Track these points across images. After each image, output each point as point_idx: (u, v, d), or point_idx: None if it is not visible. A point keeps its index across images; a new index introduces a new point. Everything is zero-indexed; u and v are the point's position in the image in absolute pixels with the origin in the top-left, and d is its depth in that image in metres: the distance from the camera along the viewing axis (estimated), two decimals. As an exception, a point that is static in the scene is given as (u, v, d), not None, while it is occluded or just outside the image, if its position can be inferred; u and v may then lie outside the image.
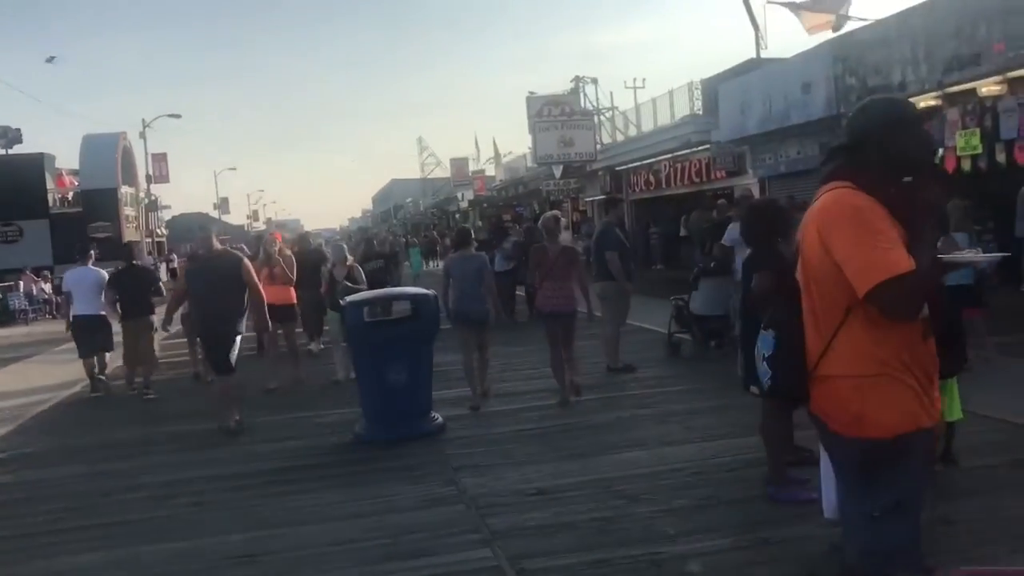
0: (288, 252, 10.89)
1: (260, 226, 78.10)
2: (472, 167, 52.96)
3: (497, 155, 49.67)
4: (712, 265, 10.10)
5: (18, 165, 36.22)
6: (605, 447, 6.46)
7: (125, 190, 41.08)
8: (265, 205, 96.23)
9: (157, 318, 9.91)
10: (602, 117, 31.53)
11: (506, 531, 4.83)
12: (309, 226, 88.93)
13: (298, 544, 4.92)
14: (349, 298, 7.73)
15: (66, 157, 43.25)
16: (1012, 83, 11.51)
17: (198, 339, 9.24)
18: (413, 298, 7.50)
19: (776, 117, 16.62)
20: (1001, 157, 11.93)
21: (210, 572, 4.68)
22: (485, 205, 47.16)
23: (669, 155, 23.77)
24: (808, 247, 2.74)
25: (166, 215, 56.04)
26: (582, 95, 31.73)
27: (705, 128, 20.88)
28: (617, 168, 27.75)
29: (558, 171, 30.20)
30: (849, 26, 16.79)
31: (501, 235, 16.55)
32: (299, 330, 12.56)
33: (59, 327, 12.70)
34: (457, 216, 52.21)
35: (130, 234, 40.57)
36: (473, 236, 9.47)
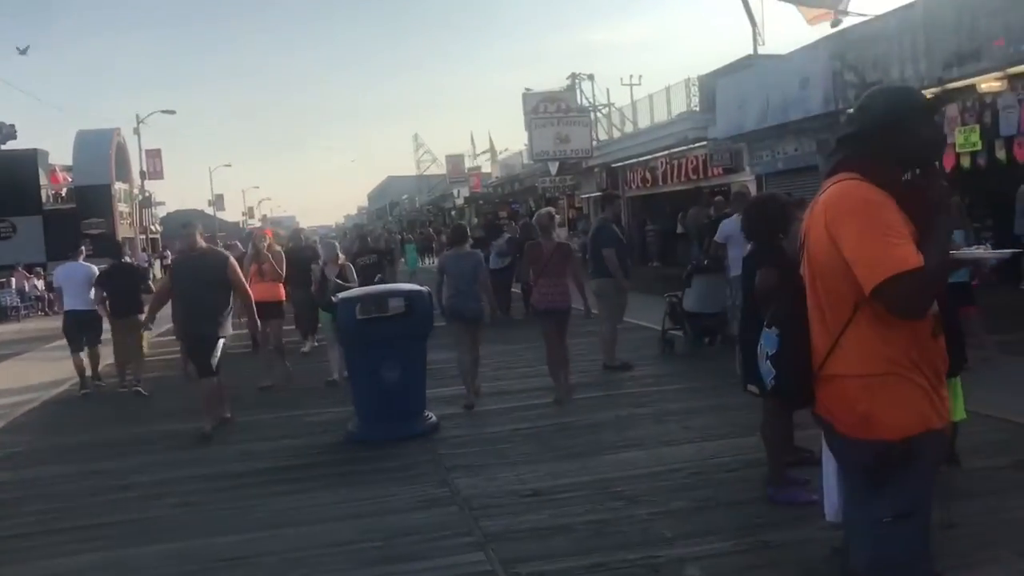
0: (277, 248, 10.80)
1: (255, 223, 77.88)
2: (468, 164, 52.86)
3: (493, 152, 49.54)
4: (705, 262, 10.04)
5: (11, 161, 36.02)
6: (602, 447, 6.37)
7: (119, 186, 40.94)
8: (261, 202, 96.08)
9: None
10: (598, 114, 31.43)
11: (500, 534, 4.73)
12: (305, 223, 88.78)
13: (289, 546, 4.82)
14: (341, 294, 7.62)
15: (60, 153, 43.15)
16: (1012, 79, 11.43)
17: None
18: (406, 295, 7.40)
19: (774, 113, 16.52)
20: (1001, 154, 11.87)
21: (201, 574, 4.58)
22: (481, 202, 47.04)
23: (666, 152, 23.68)
24: (814, 241, 2.64)
25: (161, 212, 55.88)
26: (578, 92, 31.64)
27: (702, 125, 20.77)
28: (613, 165, 27.65)
29: (554, 168, 30.09)
30: (848, 21, 16.71)
31: (495, 232, 16.44)
32: (289, 327, 12.49)
33: (51, 324, 12.63)
34: (453, 213, 52.09)
35: (124, 231, 40.48)
36: (469, 233, 9.40)
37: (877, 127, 2.61)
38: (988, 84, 11.73)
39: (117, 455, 7.25)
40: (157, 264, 37.11)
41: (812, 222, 2.66)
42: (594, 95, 31.82)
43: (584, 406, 7.77)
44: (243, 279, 7.89)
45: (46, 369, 12.49)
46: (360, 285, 10.21)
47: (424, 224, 53.20)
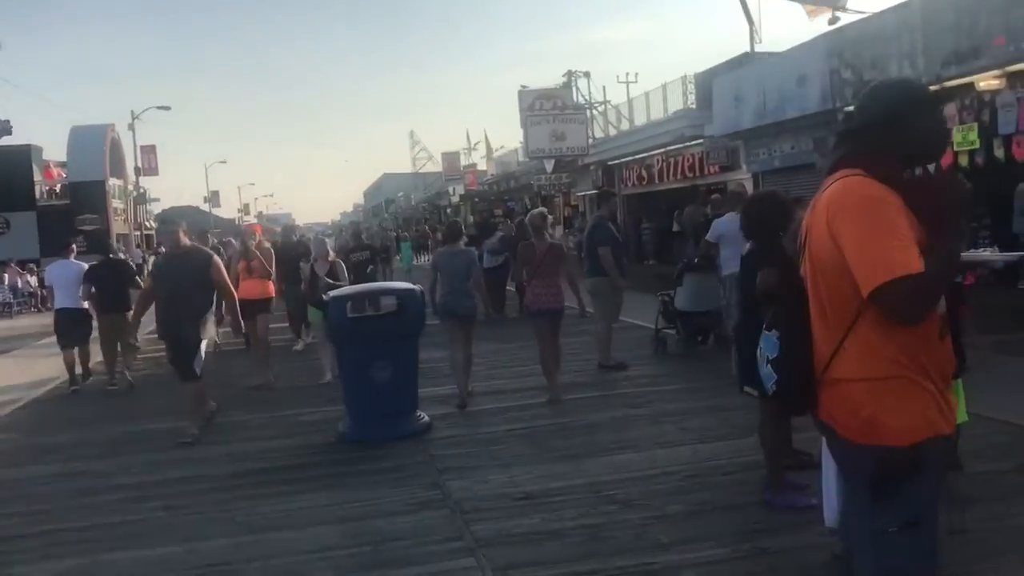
0: (267, 246, 10.66)
1: (251, 220, 77.75)
2: (464, 161, 52.76)
3: (489, 149, 49.48)
4: (696, 260, 9.96)
5: (5, 157, 35.80)
6: (596, 448, 6.25)
7: (113, 182, 40.73)
8: (256, 199, 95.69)
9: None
10: (594, 111, 31.31)
11: (491, 539, 4.61)
12: (301, 220, 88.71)
13: (275, 551, 4.69)
14: (332, 293, 7.49)
15: (54, 149, 42.90)
16: (1011, 77, 11.33)
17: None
18: (398, 293, 7.28)
19: (771, 111, 16.42)
20: (999, 152, 11.77)
21: (183, 581, 4.46)
22: (476, 199, 46.94)
23: (662, 150, 23.56)
24: (816, 240, 2.53)
25: (156, 208, 55.65)
26: (574, 89, 31.52)
27: (698, 122, 20.66)
28: (609, 163, 27.53)
29: (549, 165, 29.95)
30: (845, 19, 16.61)
31: (488, 231, 16.30)
32: (283, 324, 12.37)
33: (44, 320, 12.52)
34: (448, 211, 52.00)
35: (118, 227, 40.28)
36: (463, 231, 9.32)
37: (878, 121, 2.52)
38: (987, 82, 11.63)
39: (103, 455, 7.11)
40: (152, 261, 36.91)
41: (814, 220, 2.55)
42: (590, 92, 31.73)
43: (579, 406, 7.65)
44: (227, 279, 7.67)
45: (34, 367, 12.34)
46: (353, 281, 10.11)
47: (420, 222, 53.11)
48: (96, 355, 10.81)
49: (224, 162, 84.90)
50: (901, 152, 2.50)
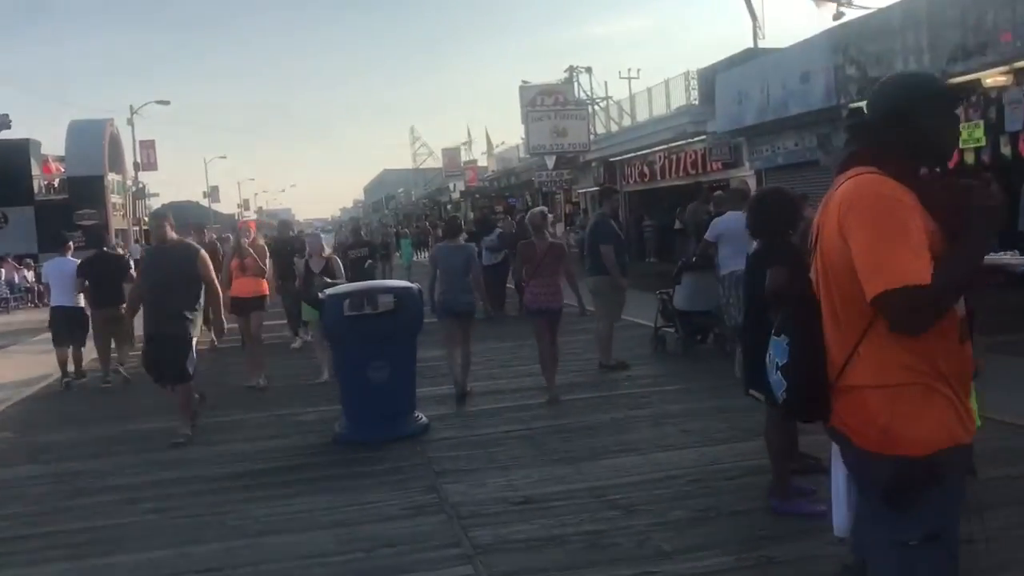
0: (261, 243, 10.50)
1: (251, 215, 77.68)
2: (464, 157, 52.63)
3: (489, 145, 49.35)
4: (694, 260, 9.86)
5: (3, 151, 35.61)
6: (597, 451, 6.12)
7: (112, 177, 40.52)
8: (256, 194, 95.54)
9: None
10: (596, 107, 31.17)
11: (489, 545, 4.48)
12: (300, 216, 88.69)
13: (267, 556, 4.57)
14: (329, 290, 7.36)
15: (52, 143, 42.70)
16: (1018, 74, 11.19)
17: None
18: (396, 291, 7.14)
19: (774, 108, 16.30)
20: (1006, 150, 11.65)
21: (171, 587, 4.34)
22: (477, 196, 46.84)
23: (664, 146, 23.44)
24: (827, 241, 2.40)
25: (155, 203, 55.48)
26: (576, 85, 31.38)
27: (701, 119, 20.54)
28: (611, 159, 27.41)
29: (551, 162, 29.82)
30: (850, 14, 16.47)
31: (487, 228, 16.14)
32: (277, 322, 12.24)
33: (40, 316, 12.43)
34: (448, 207, 51.89)
35: (117, 222, 40.11)
36: (463, 227, 9.21)
37: (889, 115, 2.41)
38: (994, 79, 11.50)
39: (95, 455, 6.98)
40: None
41: (825, 219, 2.43)
42: (592, 88, 31.63)
43: (579, 407, 7.53)
44: (214, 274, 7.47)
45: (28, 364, 12.22)
46: (351, 279, 9.97)
47: (420, 218, 53.02)
48: (91, 353, 10.71)
49: (224, 157, 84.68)
50: (910, 149, 2.38)
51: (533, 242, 8.12)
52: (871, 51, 13.41)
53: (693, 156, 22.06)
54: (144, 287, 7.27)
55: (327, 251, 9.62)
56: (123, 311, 9.61)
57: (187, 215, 38.65)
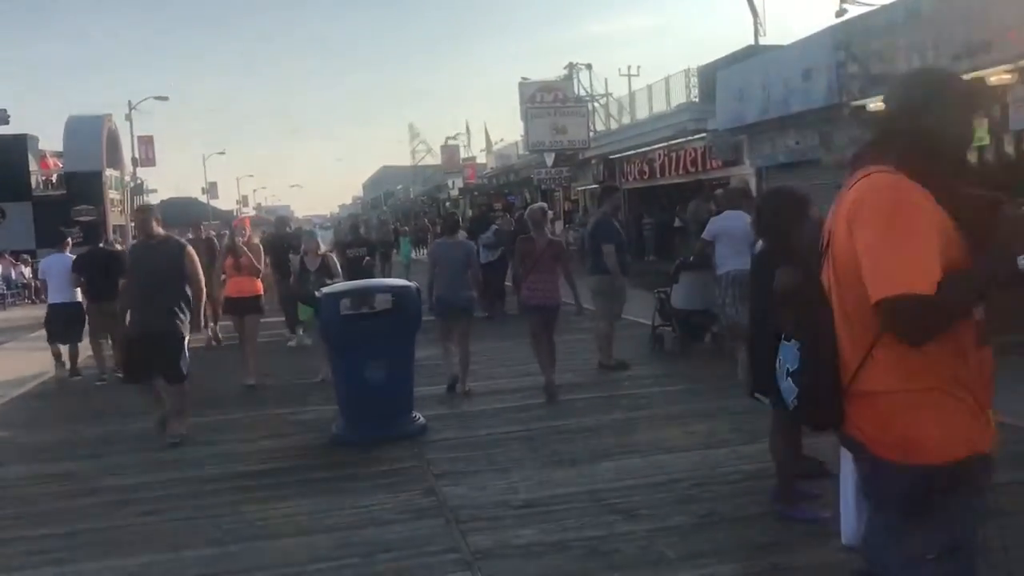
0: (256, 241, 10.36)
1: (249, 211, 77.53)
2: (463, 154, 52.51)
3: (488, 142, 49.24)
4: (691, 259, 9.79)
5: (1, 146, 35.54)
6: (598, 453, 6.02)
7: (110, 173, 40.42)
8: (255, 191, 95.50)
9: None
10: (596, 104, 31.05)
11: (489, 550, 4.38)
12: (300, 212, 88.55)
13: (261, 562, 4.47)
14: (325, 289, 7.25)
15: (50, 139, 42.60)
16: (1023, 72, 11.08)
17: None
18: (394, 290, 7.04)
19: (775, 105, 16.15)
20: (1010, 148, 11.53)
21: (162, 593, 4.24)
22: (476, 193, 46.71)
23: (664, 144, 23.31)
24: (838, 242, 2.31)
25: (153, 199, 55.29)
26: (576, 82, 31.27)
27: (701, 116, 20.40)
28: (610, 157, 27.27)
29: (550, 159, 29.68)
30: (853, 10, 16.36)
31: (484, 225, 16.02)
32: (275, 319, 12.13)
33: (37, 312, 12.35)
34: (447, 204, 51.78)
35: (115, 218, 40.01)
36: (460, 223, 9.14)
37: (901, 109, 2.34)
38: (999, 77, 11.38)
39: (87, 455, 6.87)
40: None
41: (837, 220, 2.33)
42: (592, 85, 31.52)
43: (579, 408, 7.43)
44: (200, 270, 7.28)
45: (22, 361, 12.10)
46: (350, 278, 9.86)
47: (419, 215, 52.90)
48: (86, 350, 10.61)
49: (223, 153, 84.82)
50: (919, 147, 2.29)
51: (532, 237, 8.08)
52: (874, 48, 13.27)
53: (693, 154, 21.94)
54: (131, 284, 7.12)
55: (323, 249, 9.49)
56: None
57: (185, 211, 38.56)
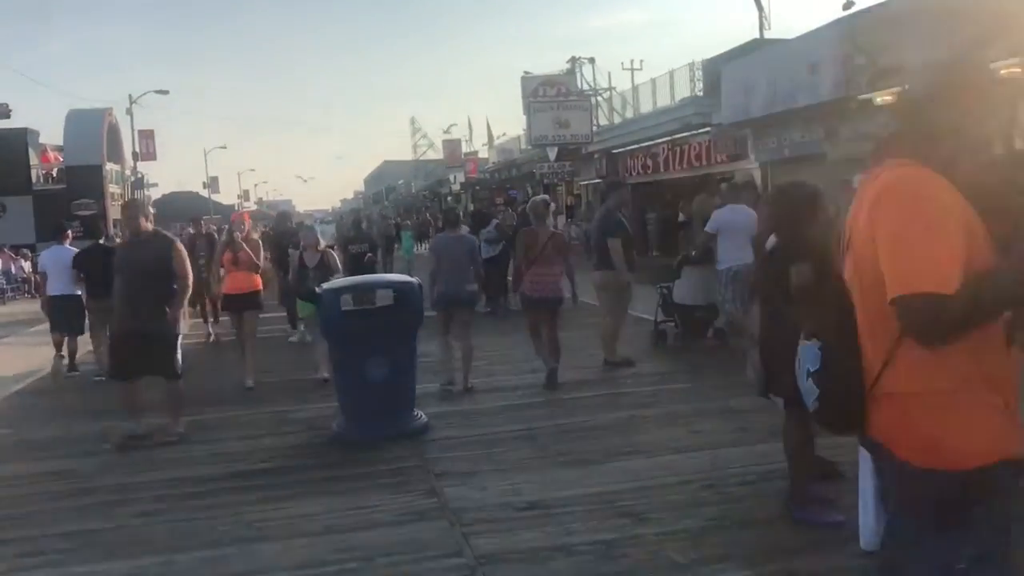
0: (255, 237, 10.21)
1: (251, 206, 77.51)
2: (465, 149, 52.37)
3: (490, 137, 49.08)
4: (693, 255, 9.68)
5: (1, 140, 35.41)
6: (604, 453, 5.88)
7: (110, 167, 40.27)
8: (256, 185, 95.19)
9: None
10: (599, 98, 30.88)
11: (493, 555, 4.25)
12: (301, 207, 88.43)
13: (258, 566, 4.34)
14: (326, 285, 7.11)
15: (51, 133, 42.43)
16: (1034, 65, 10.93)
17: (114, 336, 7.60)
18: (395, 286, 6.90)
19: (780, 99, 16.02)
20: (1019, 144, 11.39)
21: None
22: (477, 187, 46.58)
23: (668, 138, 23.16)
24: (859, 237, 2.20)
25: (154, 193, 55.22)
26: (579, 76, 31.11)
27: (706, 110, 20.26)
28: (614, 151, 27.13)
29: (552, 153, 29.55)
30: (861, 3, 16.21)
31: (484, 220, 15.88)
32: (276, 315, 12.00)
33: (37, 307, 12.22)
34: (449, 199, 51.66)
35: (115, 212, 39.85)
36: (461, 218, 9.04)
37: (929, 101, 2.22)
38: (1008, 70, 11.23)
39: (84, 453, 6.73)
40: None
41: (858, 215, 2.22)
42: (595, 79, 31.34)
43: (584, 406, 7.29)
44: (189, 268, 7.09)
45: (21, 357, 11.98)
46: (351, 274, 9.72)
47: (420, 210, 52.79)
48: (85, 345, 10.50)
49: (224, 147, 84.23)
50: (949, 140, 2.17)
51: (534, 229, 8.02)
52: (881, 41, 13.12)
53: (697, 148, 21.79)
54: (120, 283, 6.92)
55: (322, 244, 9.33)
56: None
57: (186, 206, 38.44)
